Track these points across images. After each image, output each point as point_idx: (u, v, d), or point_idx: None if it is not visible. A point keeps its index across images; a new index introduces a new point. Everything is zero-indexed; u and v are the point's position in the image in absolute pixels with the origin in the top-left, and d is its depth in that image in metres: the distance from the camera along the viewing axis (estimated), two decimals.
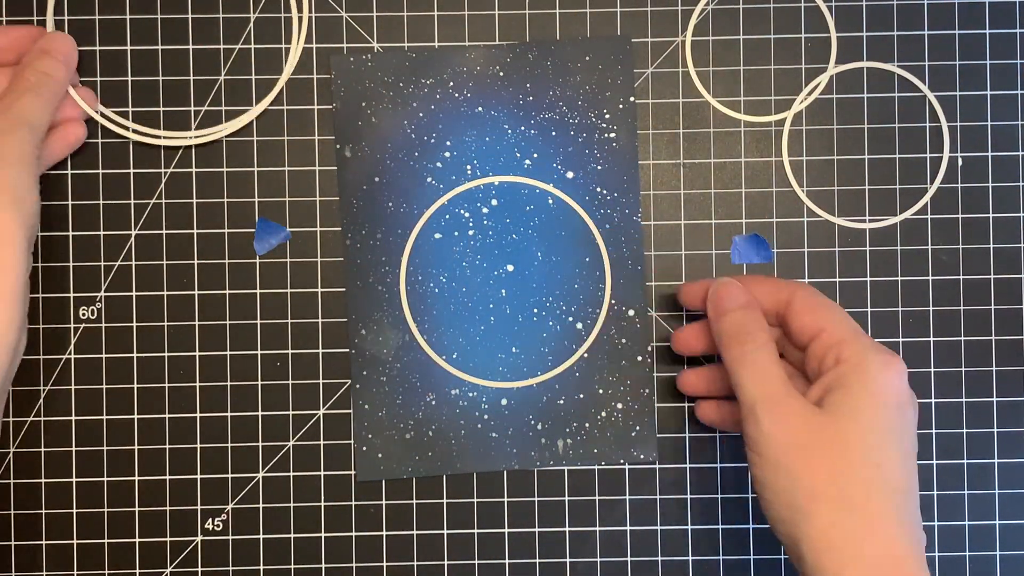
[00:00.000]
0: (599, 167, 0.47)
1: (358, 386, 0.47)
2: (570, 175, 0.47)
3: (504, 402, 0.47)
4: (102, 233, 0.47)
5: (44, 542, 0.47)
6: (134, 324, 0.47)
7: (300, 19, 0.48)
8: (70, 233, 0.47)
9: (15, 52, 0.45)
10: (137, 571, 0.47)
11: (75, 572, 0.47)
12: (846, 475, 0.38)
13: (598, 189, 0.47)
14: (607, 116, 0.47)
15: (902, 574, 0.37)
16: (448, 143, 0.47)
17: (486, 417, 0.47)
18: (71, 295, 0.47)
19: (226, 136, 0.47)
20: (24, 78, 0.43)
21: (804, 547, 0.38)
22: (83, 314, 0.47)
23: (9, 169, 0.40)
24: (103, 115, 0.47)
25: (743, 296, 0.42)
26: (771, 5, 0.48)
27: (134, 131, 0.47)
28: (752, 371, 0.41)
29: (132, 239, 0.47)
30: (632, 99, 0.48)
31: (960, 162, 0.48)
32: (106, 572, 0.47)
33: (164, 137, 0.47)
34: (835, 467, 0.38)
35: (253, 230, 0.47)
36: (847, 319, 0.41)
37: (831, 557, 0.37)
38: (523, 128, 0.47)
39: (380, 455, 0.47)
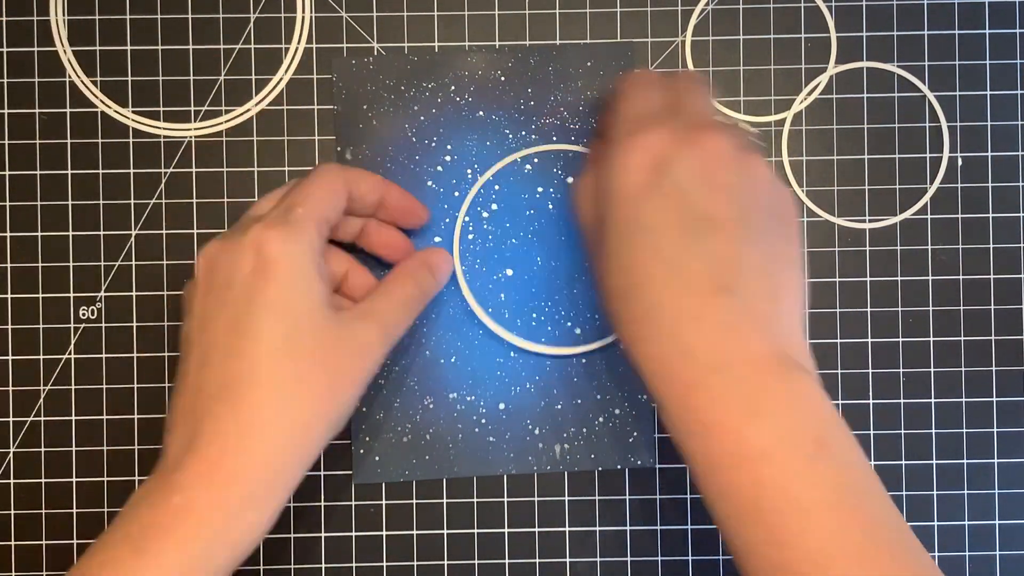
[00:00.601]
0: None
1: None
2: (570, 180, 0.47)
3: (502, 406, 0.47)
4: (102, 233, 0.47)
5: (44, 542, 0.47)
6: (134, 324, 0.47)
7: (301, 19, 0.48)
8: (70, 233, 0.47)
9: (374, 197, 0.43)
10: None
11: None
12: (604, 292, 0.37)
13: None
14: None
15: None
16: (449, 147, 0.47)
17: (484, 421, 0.47)
18: (71, 295, 0.47)
19: (226, 130, 0.47)
20: (404, 286, 0.42)
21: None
22: (83, 314, 0.47)
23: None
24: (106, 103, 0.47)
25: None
26: (771, 5, 0.48)
27: (134, 120, 0.47)
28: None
29: (132, 239, 0.47)
30: None
31: (960, 162, 0.48)
32: None
33: (164, 128, 0.47)
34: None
35: None
36: (620, 101, 0.39)
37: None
38: (524, 133, 0.47)
39: (378, 458, 0.47)
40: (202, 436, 0.35)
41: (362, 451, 0.47)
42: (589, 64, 0.47)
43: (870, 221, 0.48)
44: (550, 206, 0.47)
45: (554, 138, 0.47)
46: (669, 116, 0.37)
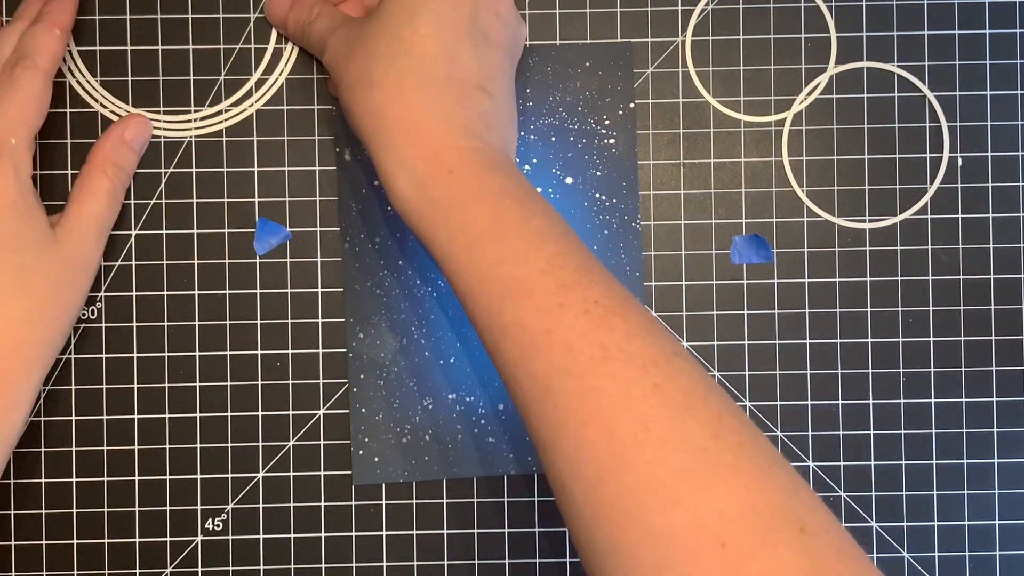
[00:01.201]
0: (598, 173, 0.47)
1: (355, 389, 0.47)
2: (569, 180, 0.47)
3: (501, 407, 0.47)
4: None
5: (44, 542, 0.47)
6: (134, 324, 0.47)
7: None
8: None
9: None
10: (137, 571, 0.47)
11: (75, 572, 0.47)
12: (370, 57, 0.40)
13: (597, 195, 0.47)
14: (607, 122, 0.47)
15: (419, 132, 0.38)
16: None
17: (483, 422, 0.47)
18: None
19: (226, 130, 0.47)
20: (106, 167, 0.45)
21: (360, 138, 0.40)
22: (83, 314, 0.47)
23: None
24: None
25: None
26: (771, 5, 0.48)
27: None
28: (311, 36, 0.45)
29: (132, 239, 0.47)
30: (632, 105, 0.47)
31: (960, 162, 0.48)
32: (106, 572, 0.47)
33: (164, 125, 0.47)
34: (364, 55, 0.40)
35: (253, 230, 0.47)
36: None
37: (366, 135, 0.40)
38: (522, 133, 0.47)
39: (377, 459, 0.47)
40: None
41: (361, 452, 0.47)
42: (588, 64, 0.47)
43: (870, 221, 0.48)
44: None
45: (553, 139, 0.47)
46: None
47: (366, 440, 0.47)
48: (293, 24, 0.46)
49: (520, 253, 0.36)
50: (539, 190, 0.47)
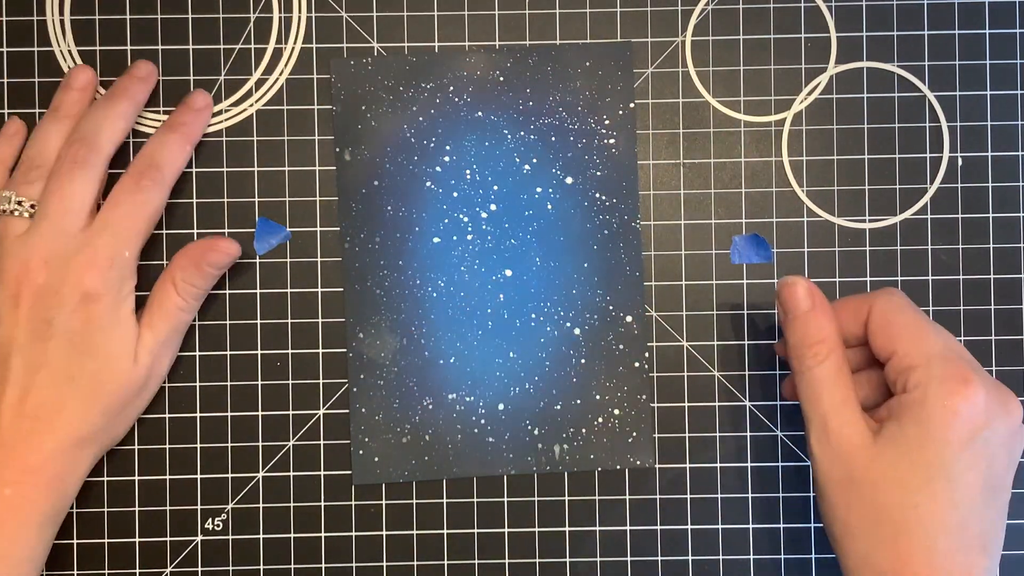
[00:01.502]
0: (598, 173, 0.47)
1: (355, 389, 0.47)
2: (569, 180, 0.47)
3: (501, 407, 0.47)
4: None
5: None
6: None
7: (297, 19, 0.48)
8: None
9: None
10: (137, 571, 0.47)
11: (75, 572, 0.47)
12: (879, 513, 0.38)
13: (597, 195, 0.47)
14: (607, 122, 0.47)
15: None
16: (448, 147, 0.47)
17: (483, 422, 0.47)
18: None
19: (226, 130, 0.47)
20: (176, 285, 0.45)
21: (843, 568, 0.39)
22: None
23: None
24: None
25: (807, 299, 0.40)
26: (771, 5, 0.48)
27: (134, 120, 0.47)
28: (809, 388, 0.40)
29: None
30: (632, 105, 0.47)
31: (960, 162, 0.48)
32: (106, 572, 0.47)
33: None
34: (871, 505, 0.38)
35: (253, 230, 0.47)
36: (924, 337, 0.39)
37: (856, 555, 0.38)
38: (523, 133, 0.47)
39: (377, 459, 0.47)
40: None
41: (361, 452, 0.47)
42: (588, 64, 0.47)
43: (870, 221, 0.48)
44: (549, 206, 0.47)
45: (553, 139, 0.47)
46: (976, 370, 0.38)
47: (366, 440, 0.47)
48: (802, 343, 0.41)
49: None
50: (539, 190, 0.47)
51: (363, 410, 0.47)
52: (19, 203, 0.43)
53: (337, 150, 0.47)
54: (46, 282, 0.42)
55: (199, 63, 0.48)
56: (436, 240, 0.47)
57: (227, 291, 0.47)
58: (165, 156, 0.44)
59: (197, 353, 0.47)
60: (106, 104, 0.45)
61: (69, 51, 0.47)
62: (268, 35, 0.48)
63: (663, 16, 0.48)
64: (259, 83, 0.48)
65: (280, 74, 0.48)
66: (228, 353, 0.47)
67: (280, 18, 0.48)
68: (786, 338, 0.41)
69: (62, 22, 0.47)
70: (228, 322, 0.47)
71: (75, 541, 0.47)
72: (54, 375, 0.42)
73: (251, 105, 0.48)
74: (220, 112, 0.48)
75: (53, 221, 0.42)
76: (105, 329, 0.42)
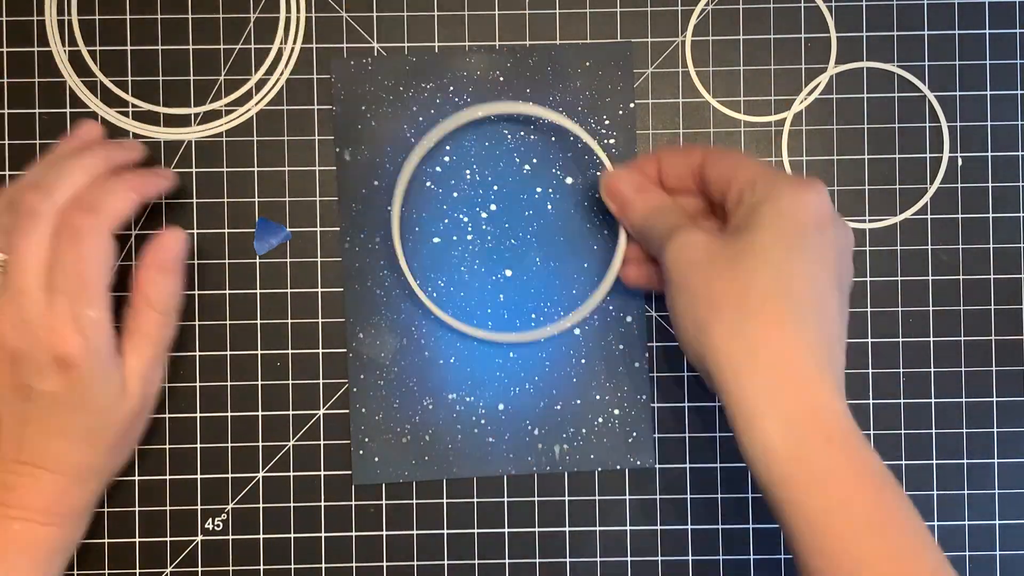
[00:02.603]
0: (598, 173, 0.47)
1: (355, 389, 0.47)
2: (569, 180, 0.47)
3: (501, 407, 0.47)
4: None
5: None
6: None
7: (297, 19, 0.48)
8: None
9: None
10: (137, 571, 0.47)
11: (75, 572, 0.47)
12: (744, 284, 0.38)
13: (597, 195, 0.47)
14: (607, 122, 0.47)
15: (798, 378, 0.37)
16: (447, 147, 0.47)
17: (483, 422, 0.47)
18: None
19: (226, 131, 0.47)
20: (152, 300, 0.43)
21: (708, 360, 0.38)
22: None
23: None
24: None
25: (624, 174, 0.44)
26: (771, 5, 0.48)
27: (134, 119, 0.47)
28: (653, 220, 0.42)
29: (132, 239, 0.47)
30: (632, 105, 0.48)
31: (960, 162, 0.48)
32: (106, 572, 0.47)
33: (164, 129, 0.47)
34: (734, 279, 0.38)
35: (253, 230, 0.47)
36: (759, 162, 0.41)
37: (728, 365, 0.37)
38: (523, 133, 0.47)
39: (377, 458, 0.47)
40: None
41: (361, 452, 0.47)
42: (588, 64, 0.47)
43: (870, 221, 0.48)
44: (549, 207, 0.47)
45: (553, 139, 0.47)
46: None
47: (366, 440, 0.47)
48: (624, 198, 0.44)
49: (905, 554, 0.36)
50: (539, 190, 0.47)
51: (363, 410, 0.47)
52: None
53: (337, 150, 0.47)
54: (17, 347, 0.40)
55: (199, 63, 0.48)
56: (436, 240, 0.47)
57: (227, 291, 0.47)
58: (102, 199, 0.41)
59: (197, 353, 0.47)
60: (77, 154, 0.43)
61: (68, 51, 0.47)
62: (268, 35, 0.48)
63: (663, 16, 0.48)
64: (259, 84, 0.48)
65: (280, 75, 0.48)
66: (228, 353, 0.47)
67: (280, 18, 0.48)
68: (630, 225, 0.44)
69: (61, 22, 0.47)
70: (228, 322, 0.47)
71: None
72: (45, 430, 0.41)
73: (252, 107, 0.48)
74: (221, 114, 0.48)
75: (13, 282, 0.40)
76: (88, 385, 0.40)
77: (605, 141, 0.47)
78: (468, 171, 0.47)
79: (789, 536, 0.37)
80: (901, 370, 0.48)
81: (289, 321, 0.47)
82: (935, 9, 0.48)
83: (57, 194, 0.41)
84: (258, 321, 0.47)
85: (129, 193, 0.42)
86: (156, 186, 0.44)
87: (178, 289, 0.44)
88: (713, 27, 0.48)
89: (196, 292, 0.47)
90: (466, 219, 0.47)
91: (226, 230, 0.47)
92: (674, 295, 0.40)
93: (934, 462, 0.48)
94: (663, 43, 0.48)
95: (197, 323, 0.47)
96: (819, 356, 0.37)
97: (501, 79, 0.47)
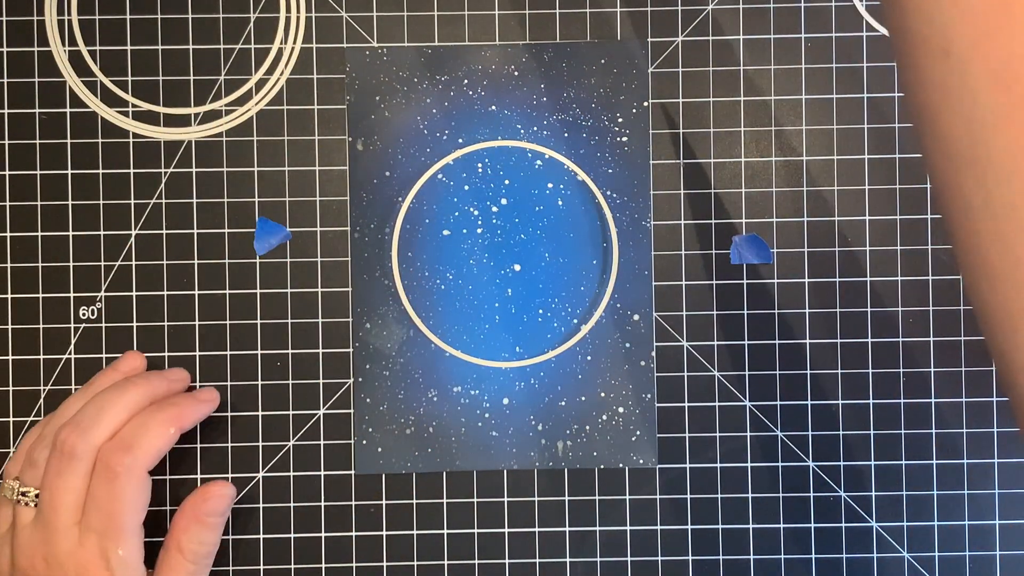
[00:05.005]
0: (610, 170, 0.47)
1: (360, 379, 0.47)
2: (580, 177, 0.48)
3: (505, 401, 0.47)
4: (102, 233, 0.47)
5: None
6: (134, 324, 0.47)
7: (297, 19, 0.48)
8: (70, 233, 0.47)
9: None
10: None
11: None
12: None
13: (608, 192, 0.47)
14: (620, 120, 0.47)
15: None
16: (460, 140, 0.47)
17: (487, 416, 0.47)
18: (71, 295, 0.47)
19: (226, 131, 0.47)
20: (183, 549, 0.43)
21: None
22: (83, 314, 0.47)
23: None
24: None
25: None
26: (771, 5, 0.48)
27: (134, 119, 0.47)
28: None
29: (132, 239, 0.47)
30: (646, 104, 0.48)
31: None
32: None
33: (164, 129, 0.47)
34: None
35: (253, 230, 0.47)
36: None
37: None
38: (535, 128, 0.48)
39: (380, 449, 0.47)
40: None
41: (364, 442, 0.47)
42: (603, 62, 0.48)
43: (870, 221, 0.48)
44: (560, 202, 0.47)
45: (565, 134, 0.47)
46: None
47: (369, 430, 0.47)
48: None
49: None
50: (550, 186, 0.47)
51: (367, 400, 0.47)
52: (23, 493, 0.42)
53: (350, 140, 0.47)
54: None
55: (199, 63, 0.48)
56: (446, 232, 0.47)
57: (227, 291, 0.47)
58: (140, 438, 0.42)
59: (197, 353, 0.47)
60: (117, 391, 0.43)
61: (68, 51, 0.47)
62: (268, 35, 0.48)
63: (663, 16, 0.48)
64: (259, 84, 0.48)
65: (280, 75, 0.48)
66: (228, 353, 0.47)
67: (280, 18, 0.48)
68: None
69: (61, 22, 0.47)
70: (228, 322, 0.47)
71: None
72: None
73: (252, 106, 0.48)
74: (221, 114, 0.48)
75: (48, 519, 0.41)
76: None
77: (618, 139, 0.47)
78: (480, 164, 0.47)
79: None
80: (901, 370, 0.48)
81: (289, 321, 0.47)
82: None
83: (95, 434, 0.41)
84: (258, 321, 0.47)
85: (167, 429, 0.42)
86: (196, 414, 0.45)
87: (215, 541, 0.44)
88: (713, 27, 0.48)
89: (196, 292, 0.47)
90: (476, 212, 0.47)
91: (226, 230, 0.47)
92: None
93: (934, 462, 0.48)
94: (663, 43, 0.48)
95: (197, 323, 0.47)
96: None
97: (516, 74, 0.47)
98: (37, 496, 0.42)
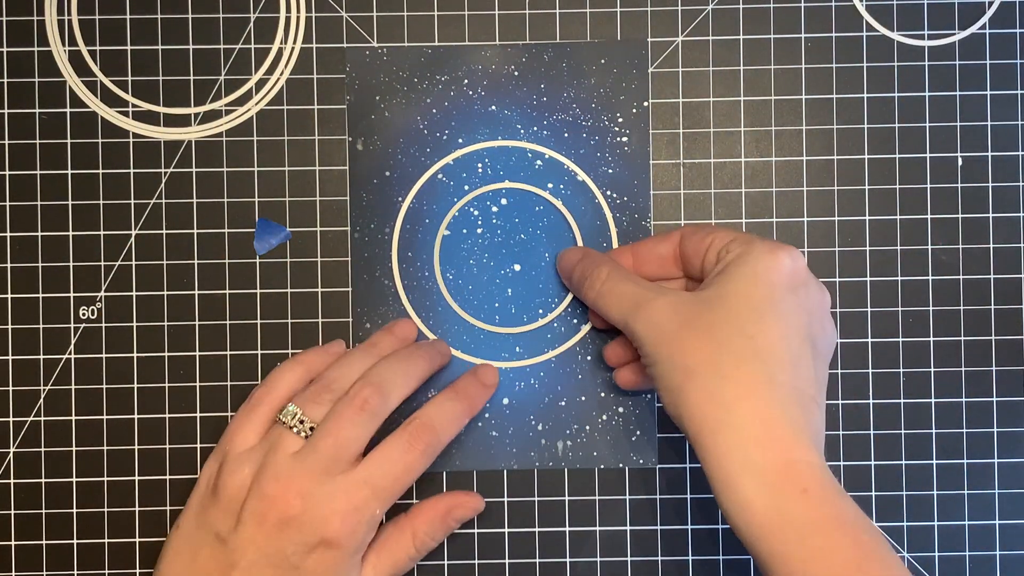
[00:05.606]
0: (610, 170, 0.47)
1: None
2: (581, 177, 0.48)
3: (505, 401, 0.47)
4: (102, 233, 0.47)
5: (44, 542, 0.47)
6: (134, 324, 0.47)
7: (297, 18, 0.48)
8: (70, 233, 0.47)
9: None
10: (137, 571, 0.47)
11: (75, 572, 0.47)
12: (717, 347, 0.38)
13: (608, 192, 0.47)
14: (620, 120, 0.47)
15: (772, 436, 0.37)
16: (460, 140, 0.47)
17: (487, 416, 0.47)
18: (71, 295, 0.47)
19: (226, 131, 0.47)
20: (416, 535, 0.44)
21: (686, 422, 0.38)
22: (83, 314, 0.47)
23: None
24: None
25: (577, 251, 0.46)
26: (771, 5, 0.48)
27: (134, 119, 0.47)
28: (609, 298, 0.42)
29: (132, 239, 0.47)
30: (646, 103, 0.48)
31: (960, 162, 0.48)
32: (106, 572, 0.47)
33: (164, 129, 0.47)
34: (708, 342, 0.38)
35: (253, 230, 0.47)
36: (735, 229, 0.42)
37: (705, 426, 0.38)
38: (535, 128, 0.48)
39: None
40: None
41: None
42: (603, 62, 0.48)
43: (870, 220, 0.48)
44: (560, 202, 0.47)
45: (566, 134, 0.47)
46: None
47: None
48: (578, 276, 0.45)
49: None
50: (550, 186, 0.47)
51: None
52: (300, 421, 0.42)
53: (349, 140, 0.47)
54: (295, 516, 0.40)
55: (199, 63, 0.48)
56: (446, 232, 0.47)
57: (227, 291, 0.47)
58: (443, 422, 0.44)
59: (197, 353, 0.47)
60: (408, 359, 0.44)
61: (68, 51, 0.47)
62: (268, 35, 0.48)
63: (663, 16, 0.48)
64: (259, 84, 0.48)
65: (280, 75, 0.48)
66: (228, 353, 0.47)
67: (280, 18, 0.48)
68: (573, 288, 0.46)
69: (61, 22, 0.47)
70: (228, 322, 0.47)
71: (75, 541, 0.47)
72: None
73: (252, 106, 0.48)
74: (221, 114, 0.48)
75: (321, 458, 0.41)
76: (333, 574, 0.41)
77: (618, 139, 0.47)
78: (480, 164, 0.47)
79: None
80: (901, 370, 0.48)
81: (289, 321, 0.47)
82: (935, 9, 0.48)
83: (393, 399, 0.43)
84: (258, 321, 0.47)
85: (463, 418, 0.45)
86: (483, 400, 0.47)
87: (440, 541, 0.45)
88: (713, 27, 0.48)
89: (196, 292, 0.47)
90: (476, 212, 0.47)
91: (226, 230, 0.47)
92: (654, 369, 0.40)
93: (934, 462, 0.48)
94: (663, 43, 0.48)
95: (197, 323, 0.47)
96: (793, 416, 0.37)
97: (516, 74, 0.47)
98: (312, 429, 0.42)
